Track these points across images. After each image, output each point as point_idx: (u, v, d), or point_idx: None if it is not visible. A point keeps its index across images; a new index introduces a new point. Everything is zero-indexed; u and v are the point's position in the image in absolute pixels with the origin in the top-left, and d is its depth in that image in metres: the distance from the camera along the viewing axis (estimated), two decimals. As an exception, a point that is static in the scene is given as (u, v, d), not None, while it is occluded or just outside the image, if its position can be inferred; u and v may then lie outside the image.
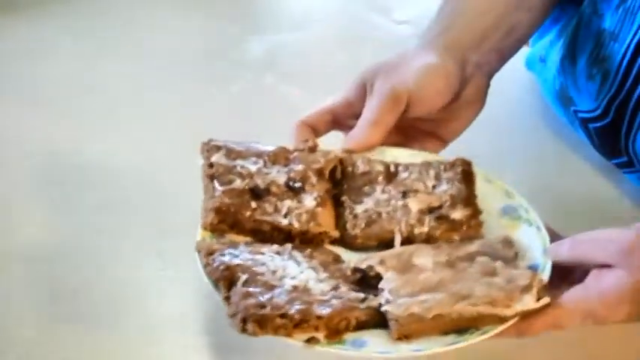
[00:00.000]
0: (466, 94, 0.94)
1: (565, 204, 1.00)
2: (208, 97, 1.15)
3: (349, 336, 0.72)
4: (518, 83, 1.18)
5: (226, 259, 0.75)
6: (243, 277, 0.73)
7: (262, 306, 0.71)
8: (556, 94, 1.07)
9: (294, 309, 0.71)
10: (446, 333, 0.73)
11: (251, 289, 0.72)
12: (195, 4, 1.35)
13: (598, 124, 1.00)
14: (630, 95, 0.94)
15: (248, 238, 0.80)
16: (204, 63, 1.22)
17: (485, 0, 0.98)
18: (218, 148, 0.84)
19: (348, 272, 0.77)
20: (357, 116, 0.90)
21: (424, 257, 0.77)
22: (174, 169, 1.01)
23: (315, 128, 0.90)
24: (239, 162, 0.83)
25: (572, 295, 0.75)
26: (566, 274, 0.78)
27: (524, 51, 1.18)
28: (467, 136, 1.07)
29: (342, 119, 0.91)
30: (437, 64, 0.91)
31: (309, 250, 0.79)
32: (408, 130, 0.92)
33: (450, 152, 1.04)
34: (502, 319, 0.73)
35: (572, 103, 1.03)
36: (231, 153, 0.84)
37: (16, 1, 1.30)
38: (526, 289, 0.73)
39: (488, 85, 0.97)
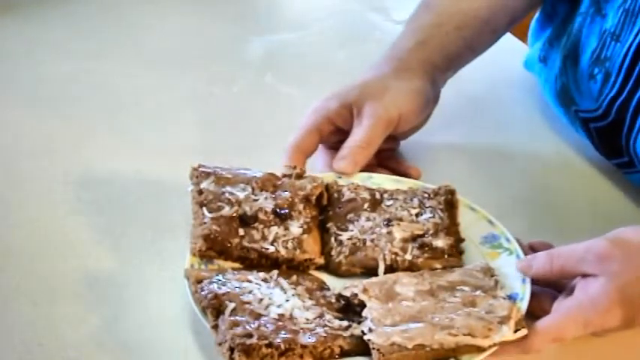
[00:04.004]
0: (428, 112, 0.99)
1: (565, 204, 1.00)
2: (208, 96, 1.15)
3: None
4: (517, 84, 1.18)
5: (214, 287, 0.77)
6: (231, 305, 0.75)
7: (249, 335, 0.73)
8: (557, 94, 1.07)
9: (279, 338, 0.73)
10: None
11: (238, 318, 0.74)
12: (195, 4, 1.35)
13: (599, 124, 1.00)
14: (632, 96, 0.95)
15: (236, 264, 0.83)
16: (205, 63, 1.22)
17: (458, 19, 1.01)
18: (207, 175, 0.86)
19: (333, 299, 0.80)
20: (338, 132, 0.93)
21: (406, 286, 0.79)
22: (174, 168, 1.00)
23: (306, 150, 0.93)
24: (228, 189, 0.86)
25: (565, 307, 0.76)
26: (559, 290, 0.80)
27: (522, 52, 1.19)
28: (467, 136, 1.07)
29: (326, 136, 0.94)
30: (419, 88, 0.95)
31: (294, 277, 0.81)
32: None
33: (451, 151, 1.04)
34: (480, 349, 0.74)
35: (573, 102, 1.03)
36: (220, 180, 0.86)
37: (16, 1, 1.30)
38: (504, 319, 0.75)
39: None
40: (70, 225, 0.94)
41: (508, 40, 1.07)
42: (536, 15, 1.15)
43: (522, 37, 1.20)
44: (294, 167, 0.89)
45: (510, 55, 1.18)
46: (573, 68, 1.03)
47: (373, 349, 0.73)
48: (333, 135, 0.94)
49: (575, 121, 1.04)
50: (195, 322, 0.81)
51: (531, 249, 0.84)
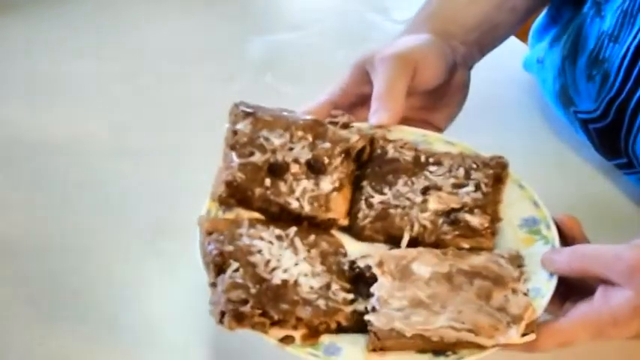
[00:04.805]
0: (455, 81, 0.95)
1: (565, 205, 0.99)
2: (208, 97, 1.15)
3: (326, 338, 0.71)
4: (517, 84, 1.18)
5: (221, 242, 0.73)
6: (234, 265, 0.71)
7: (244, 301, 0.69)
8: (556, 94, 1.07)
9: (275, 309, 0.70)
10: (422, 352, 0.71)
11: (238, 280, 0.70)
12: (195, 3, 1.34)
13: (598, 125, 1.00)
14: (630, 97, 0.94)
15: (256, 214, 0.78)
16: (205, 63, 1.22)
17: None
18: (246, 115, 0.81)
19: (346, 267, 0.76)
20: (354, 104, 0.89)
21: (424, 266, 0.74)
22: (174, 169, 1.01)
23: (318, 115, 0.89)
24: (264, 133, 0.80)
25: (581, 312, 0.73)
26: (571, 287, 0.76)
27: (523, 53, 1.19)
28: (467, 136, 1.07)
29: (346, 108, 0.90)
30: (433, 39, 0.92)
31: (312, 237, 0.77)
32: (402, 120, 0.90)
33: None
34: (481, 347, 0.71)
35: (572, 103, 1.03)
36: (258, 122, 0.80)
37: (15, 1, 1.30)
38: (515, 319, 0.71)
39: (469, 78, 0.97)
40: (69, 225, 0.94)
41: (508, 40, 1.07)
42: (540, 17, 1.15)
43: (523, 37, 1.20)
44: (343, 114, 0.84)
45: (510, 56, 1.18)
46: (572, 69, 1.03)
47: (370, 331, 0.71)
48: (350, 108, 0.89)
49: (575, 122, 1.04)
50: (196, 322, 0.81)
51: (555, 224, 0.79)
